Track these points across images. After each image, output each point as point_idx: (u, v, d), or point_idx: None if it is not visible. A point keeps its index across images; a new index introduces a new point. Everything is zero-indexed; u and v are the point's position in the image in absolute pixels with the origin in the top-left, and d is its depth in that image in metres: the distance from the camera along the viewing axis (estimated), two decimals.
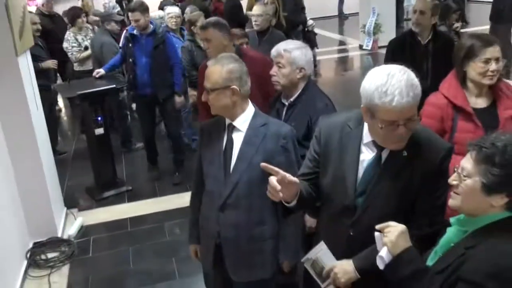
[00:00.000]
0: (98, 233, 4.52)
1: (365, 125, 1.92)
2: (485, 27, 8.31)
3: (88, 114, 5.02)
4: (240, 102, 2.31)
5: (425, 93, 2.55)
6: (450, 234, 1.67)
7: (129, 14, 5.21)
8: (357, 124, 1.96)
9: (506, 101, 2.61)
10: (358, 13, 11.59)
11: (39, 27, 5.94)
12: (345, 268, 1.97)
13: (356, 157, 1.94)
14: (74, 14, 6.69)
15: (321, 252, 2.07)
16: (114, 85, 5.19)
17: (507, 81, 2.89)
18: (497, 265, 1.46)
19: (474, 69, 2.58)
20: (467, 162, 1.57)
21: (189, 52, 5.42)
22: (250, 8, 8.55)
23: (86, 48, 6.44)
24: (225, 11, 8.20)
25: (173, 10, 6.25)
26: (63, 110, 8.41)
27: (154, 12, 6.99)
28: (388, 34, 10.07)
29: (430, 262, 1.70)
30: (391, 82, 1.71)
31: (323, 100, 2.81)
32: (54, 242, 4.23)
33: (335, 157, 2.00)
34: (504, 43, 6.78)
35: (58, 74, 7.39)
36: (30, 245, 4.16)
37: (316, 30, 8.97)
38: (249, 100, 2.39)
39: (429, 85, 3.49)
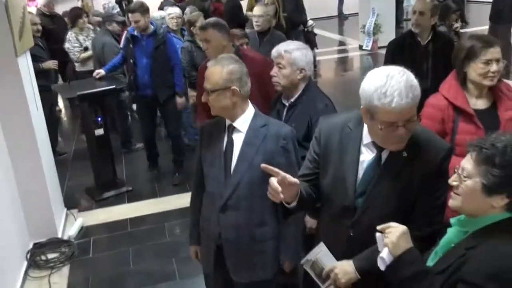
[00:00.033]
0: (98, 234, 4.52)
1: (365, 126, 1.92)
2: (485, 27, 8.30)
3: (88, 115, 5.02)
4: (240, 103, 2.31)
5: (425, 93, 2.55)
6: (451, 235, 1.67)
7: (129, 15, 5.20)
8: (357, 125, 1.96)
9: (506, 102, 2.60)
10: (357, 13, 11.60)
11: (39, 27, 5.94)
12: (345, 268, 1.97)
13: (356, 157, 1.94)
14: (76, 14, 6.70)
15: (321, 253, 2.07)
16: (114, 86, 5.19)
17: (507, 81, 2.88)
18: (498, 266, 1.46)
19: (474, 70, 2.57)
20: (467, 163, 1.57)
21: (188, 52, 5.42)
22: (250, 8, 8.56)
23: (85, 49, 6.45)
24: (225, 12, 8.20)
25: (174, 10, 6.25)
26: (63, 110, 8.42)
27: (156, 12, 6.99)
28: (388, 34, 10.09)
29: (430, 262, 1.70)
30: (390, 84, 1.72)
31: (323, 101, 2.81)
32: (54, 243, 4.23)
33: (335, 158, 2.00)
34: (504, 44, 6.78)
35: (59, 75, 7.39)
36: (30, 246, 4.16)
37: (316, 31, 8.96)
38: (249, 101, 2.39)
39: (430, 86, 3.50)
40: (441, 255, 1.67)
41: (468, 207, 1.59)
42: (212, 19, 3.78)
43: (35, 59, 5.26)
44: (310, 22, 8.45)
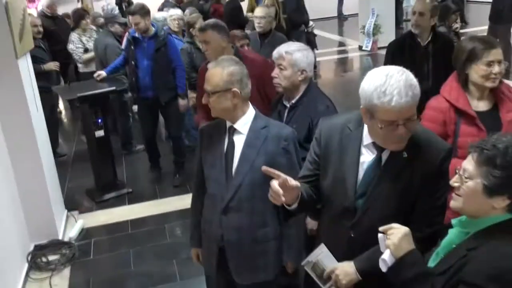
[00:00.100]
0: (98, 236, 4.52)
1: (365, 127, 1.92)
2: (485, 28, 8.31)
3: (88, 116, 5.02)
4: (241, 104, 2.31)
5: (426, 95, 2.55)
6: (452, 236, 1.67)
7: (130, 17, 5.20)
8: (357, 126, 1.96)
9: (508, 103, 2.59)
10: (357, 14, 11.60)
11: (40, 29, 5.94)
12: (346, 270, 1.97)
13: (356, 158, 1.94)
14: (79, 15, 6.71)
15: (322, 255, 2.07)
16: (114, 88, 5.19)
17: (507, 81, 2.87)
18: (499, 267, 1.46)
19: (476, 72, 2.55)
20: (468, 164, 1.57)
21: (188, 54, 5.42)
22: (250, 10, 8.58)
23: (86, 51, 6.45)
24: (225, 13, 8.22)
25: (176, 12, 6.26)
26: (63, 112, 8.42)
27: (158, 13, 7.01)
28: (388, 35, 10.11)
29: (431, 263, 1.70)
30: (389, 82, 1.72)
31: (324, 102, 2.81)
32: (55, 245, 4.22)
33: (335, 159, 2.00)
34: (504, 44, 6.79)
35: (61, 76, 7.40)
36: (31, 248, 4.16)
37: (316, 31, 8.98)
38: (250, 103, 2.39)
39: (431, 87, 3.50)
40: (442, 256, 1.67)
41: (469, 208, 1.59)
42: (211, 21, 3.77)
43: (37, 60, 5.27)
44: (310, 23, 8.46)
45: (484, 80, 2.54)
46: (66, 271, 3.98)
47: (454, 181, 1.62)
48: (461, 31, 6.07)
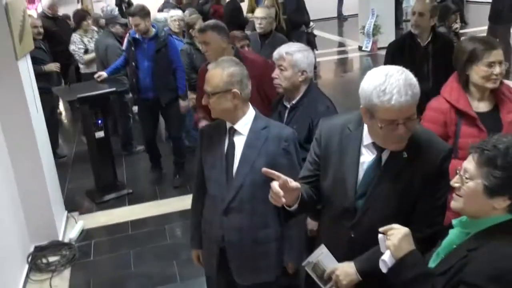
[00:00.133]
0: (99, 237, 4.52)
1: (365, 127, 1.92)
2: (484, 28, 8.31)
3: (88, 117, 5.02)
4: (241, 105, 2.31)
5: (427, 95, 2.55)
6: (453, 236, 1.67)
7: (130, 18, 5.21)
8: (357, 126, 1.96)
9: (508, 104, 2.58)
10: (357, 14, 11.60)
11: (40, 30, 5.94)
12: (347, 270, 1.97)
13: (356, 159, 1.94)
14: (80, 16, 6.72)
15: (322, 255, 2.07)
16: (114, 88, 5.19)
17: (507, 82, 2.87)
18: (499, 268, 1.46)
19: (477, 73, 2.54)
20: (469, 164, 1.57)
21: (188, 55, 5.42)
22: (250, 11, 8.58)
23: (86, 52, 6.46)
24: (225, 14, 8.22)
25: (176, 13, 6.26)
26: (64, 113, 8.42)
27: (160, 14, 7.01)
28: (387, 35, 10.11)
29: (432, 263, 1.70)
30: (389, 82, 1.72)
31: (324, 103, 2.81)
32: (55, 246, 4.22)
33: (335, 159, 2.00)
34: (503, 44, 6.79)
35: (62, 77, 7.40)
36: (31, 249, 4.15)
37: (316, 32, 8.97)
38: (250, 103, 2.39)
39: (431, 87, 3.49)
40: (443, 256, 1.66)
41: (470, 208, 1.59)
42: (211, 21, 3.77)
43: (37, 61, 5.27)
44: (310, 24, 8.46)
45: (485, 81, 2.53)
46: (66, 272, 3.98)
47: (454, 182, 1.62)
48: (461, 31, 6.07)
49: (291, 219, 2.15)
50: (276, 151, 2.31)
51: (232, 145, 2.35)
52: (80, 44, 6.47)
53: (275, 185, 1.85)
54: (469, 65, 2.56)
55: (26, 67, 4.10)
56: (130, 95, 6.04)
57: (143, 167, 5.85)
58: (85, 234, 4.54)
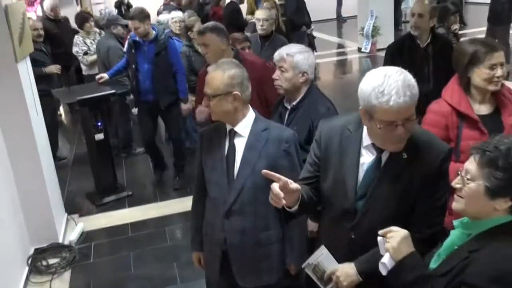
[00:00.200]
0: (99, 239, 4.52)
1: (365, 128, 1.92)
2: (483, 29, 8.32)
3: (88, 120, 5.01)
4: (241, 107, 2.31)
5: (427, 97, 2.54)
6: (454, 237, 1.67)
7: (129, 21, 5.21)
8: (357, 127, 1.97)
9: (510, 107, 2.56)
10: (356, 16, 11.61)
11: (41, 32, 5.94)
12: (347, 271, 1.97)
13: (356, 160, 1.94)
14: (82, 18, 6.72)
15: (322, 257, 2.07)
16: (114, 91, 5.19)
17: (508, 82, 2.86)
18: (501, 269, 1.46)
19: (479, 75, 2.51)
20: (470, 165, 1.57)
21: (187, 57, 5.41)
22: (250, 12, 8.58)
23: (85, 54, 6.46)
24: (225, 16, 8.22)
25: (177, 14, 6.26)
26: (63, 115, 8.42)
27: (162, 15, 7.01)
28: (387, 36, 10.12)
29: (433, 264, 1.70)
30: (388, 83, 1.72)
31: (325, 104, 2.81)
32: (55, 248, 4.22)
33: (335, 161, 2.00)
34: (503, 45, 6.79)
35: (62, 79, 7.40)
36: (31, 251, 4.15)
37: (315, 33, 8.98)
38: (250, 105, 2.39)
39: (431, 89, 3.48)
40: (444, 257, 1.66)
41: (471, 209, 1.59)
42: (210, 23, 3.77)
43: (37, 63, 5.28)
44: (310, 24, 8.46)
45: (487, 83, 2.51)
46: (67, 275, 3.98)
47: (456, 183, 1.62)
48: (460, 32, 6.07)
49: (292, 220, 2.15)
50: (276, 152, 2.31)
51: (232, 148, 2.34)
52: (83, 46, 6.48)
53: (275, 186, 1.85)
54: (471, 68, 2.54)
55: (25, 69, 4.10)
56: (131, 97, 6.04)
57: (143, 169, 5.85)
58: (85, 236, 4.53)
